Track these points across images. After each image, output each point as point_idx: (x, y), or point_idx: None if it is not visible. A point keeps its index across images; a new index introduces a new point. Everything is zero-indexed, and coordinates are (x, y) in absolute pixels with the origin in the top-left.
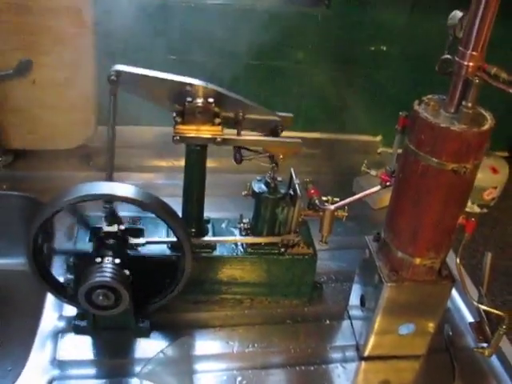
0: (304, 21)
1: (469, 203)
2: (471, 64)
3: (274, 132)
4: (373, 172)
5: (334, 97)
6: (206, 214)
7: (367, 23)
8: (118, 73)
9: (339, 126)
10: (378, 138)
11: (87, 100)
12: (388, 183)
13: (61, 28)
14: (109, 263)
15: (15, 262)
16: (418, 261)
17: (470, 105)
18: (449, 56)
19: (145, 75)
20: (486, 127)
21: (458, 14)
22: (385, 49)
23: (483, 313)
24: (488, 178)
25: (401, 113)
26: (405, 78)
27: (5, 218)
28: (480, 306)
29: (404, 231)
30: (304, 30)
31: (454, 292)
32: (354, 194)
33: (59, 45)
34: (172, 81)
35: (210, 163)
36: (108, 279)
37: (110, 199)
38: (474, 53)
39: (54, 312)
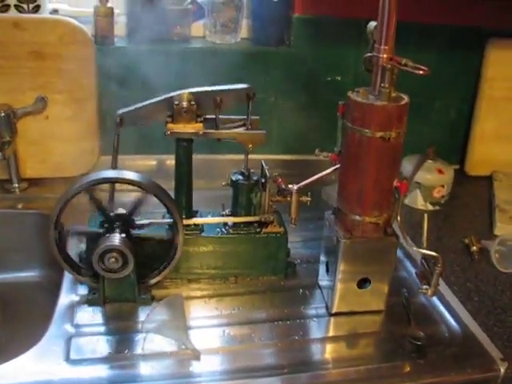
0: (269, 58)
1: (422, 201)
2: (385, 56)
3: (249, 99)
4: (324, 154)
5: (299, 122)
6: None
7: (323, 58)
8: (122, 115)
9: (308, 147)
10: None
11: (92, 132)
12: (336, 162)
13: (70, 71)
14: (117, 234)
15: (30, 274)
16: (365, 219)
17: (387, 85)
18: (369, 54)
19: (141, 106)
20: (402, 103)
21: (373, 23)
22: (339, 79)
23: (425, 262)
24: (435, 178)
25: (340, 102)
26: None
27: (21, 233)
28: (419, 249)
29: (351, 195)
30: (270, 66)
31: (410, 265)
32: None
33: (68, 85)
34: (163, 99)
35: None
36: (117, 243)
37: (119, 182)
38: (386, 47)
39: (70, 292)
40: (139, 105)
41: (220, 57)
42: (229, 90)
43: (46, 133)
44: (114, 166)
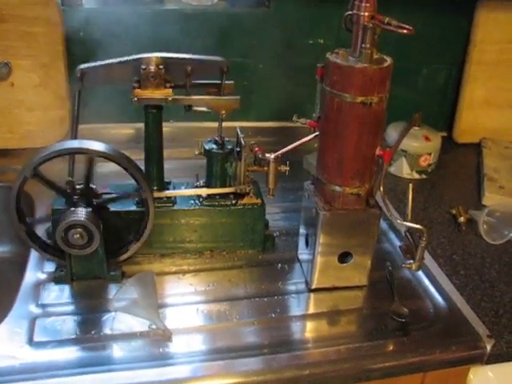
0: (247, 20)
1: (408, 170)
2: (366, 14)
3: (222, 73)
4: (302, 120)
5: (280, 87)
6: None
7: (305, 20)
8: (83, 70)
9: (288, 114)
10: None
11: (62, 100)
12: (315, 129)
13: (34, 34)
14: (82, 208)
15: (0, 250)
16: (346, 190)
17: (368, 46)
18: (350, 12)
19: (106, 64)
20: (384, 65)
21: None
22: (322, 42)
23: (409, 235)
24: (422, 146)
25: (318, 64)
26: None
27: None
28: (403, 222)
29: (331, 164)
30: (249, 29)
31: (394, 237)
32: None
33: (34, 49)
34: (129, 60)
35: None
36: (81, 218)
37: (84, 153)
38: (368, 4)
39: (36, 269)
40: (103, 62)
41: (196, 19)
42: (201, 61)
43: (12, 101)
44: (75, 127)
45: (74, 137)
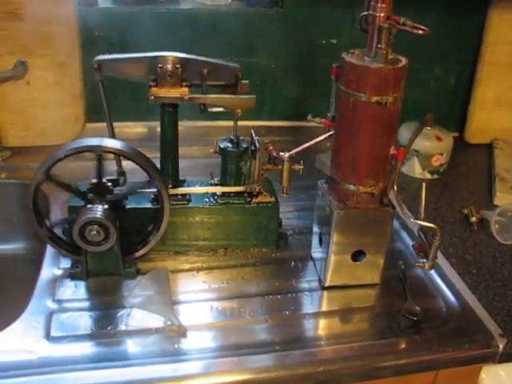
0: (262, 20)
1: (420, 170)
2: (382, 14)
3: (237, 80)
4: (317, 120)
5: (293, 87)
6: None
7: (318, 19)
8: (100, 61)
9: (301, 113)
10: None
11: (76, 98)
12: (330, 128)
13: (50, 33)
14: (99, 205)
15: (15, 246)
16: (360, 189)
17: (383, 46)
18: (366, 13)
19: (122, 58)
20: (399, 65)
21: None
22: (334, 42)
23: (422, 234)
24: (434, 146)
25: (333, 64)
26: None
27: (4, 204)
28: (416, 221)
29: (345, 163)
30: (262, 28)
31: (407, 236)
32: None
33: (49, 48)
34: (146, 57)
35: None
36: (98, 215)
37: (101, 150)
38: (383, 5)
39: (52, 265)
40: (119, 55)
41: (210, 19)
42: (217, 65)
43: (28, 99)
44: (109, 116)
45: (110, 125)
